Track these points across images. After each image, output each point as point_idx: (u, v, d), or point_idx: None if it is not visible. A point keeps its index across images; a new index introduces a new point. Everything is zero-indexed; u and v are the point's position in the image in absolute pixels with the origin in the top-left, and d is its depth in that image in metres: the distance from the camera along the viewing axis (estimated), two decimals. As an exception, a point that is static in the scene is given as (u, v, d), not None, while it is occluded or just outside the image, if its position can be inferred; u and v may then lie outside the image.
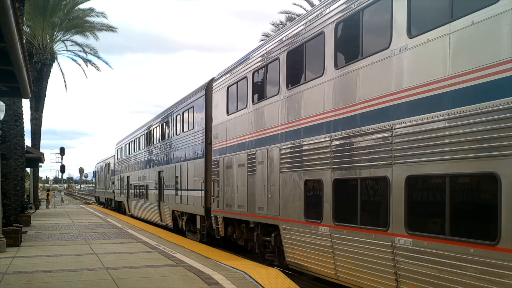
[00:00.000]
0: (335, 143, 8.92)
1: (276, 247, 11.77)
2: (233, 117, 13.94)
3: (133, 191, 31.07)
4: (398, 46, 7.31)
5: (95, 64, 45.26)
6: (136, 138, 30.86)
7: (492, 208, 5.69)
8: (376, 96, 7.80)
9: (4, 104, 14.45)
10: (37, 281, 10.10)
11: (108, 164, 44.68)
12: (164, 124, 23.39)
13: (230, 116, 14.21)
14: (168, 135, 22.54)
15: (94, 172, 60.08)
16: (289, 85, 10.75)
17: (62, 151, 49.05)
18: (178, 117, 20.69)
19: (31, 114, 41.92)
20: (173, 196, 20.67)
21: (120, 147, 37.79)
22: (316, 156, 9.51)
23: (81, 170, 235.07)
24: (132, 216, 31.55)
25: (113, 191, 40.42)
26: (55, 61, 42.97)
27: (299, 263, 10.43)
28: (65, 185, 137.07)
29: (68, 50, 45.32)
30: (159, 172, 23.65)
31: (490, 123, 5.75)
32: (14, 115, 19.40)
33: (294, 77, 10.64)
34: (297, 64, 10.55)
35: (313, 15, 9.93)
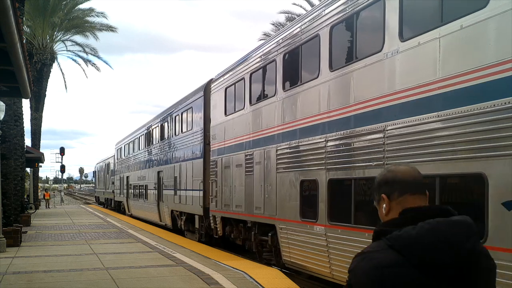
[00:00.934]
0: (330, 144, 9.08)
1: (273, 246, 11.93)
2: (231, 118, 14.11)
3: (132, 191, 31.24)
4: (390, 49, 7.48)
5: (95, 64, 45.45)
6: (136, 138, 31.03)
7: (480, 208, 5.85)
8: (370, 98, 7.97)
9: (4, 104, 14.48)
10: (37, 281, 10.14)
11: (108, 164, 44.83)
12: (163, 124, 23.56)
13: (228, 117, 14.38)
14: (167, 135, 22.71)
15: (94, 172, 60.24)
16: (286, 86, 10.92)
17: (62, 151, 49.20)
18: (177, 117, 20.86)
19: (31, 114, 41.95)
20: (172, 196, 20.84)
21: (119, 147, 37.96)
22: (312, 157, 9.67)
23: (81, 170, 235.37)
24: (131, 216, 31.71)
25: (113, 191, 40.58)
26: (55, 61, 43.12)
27: (296, 262, 10.59)
28: (65, 185, 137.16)
29: (68, 50, 45.54)
30: (158, 172, 23.82)
31: (477, 125, 5.92)
32: (14, 115, 19.40)
33: (290, 79, 10.81)
34: (293, 66, 10.72)
35: (309, 18, 10.10)
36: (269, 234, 11.82)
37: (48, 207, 42.95)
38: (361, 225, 8.17)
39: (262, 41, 12.65)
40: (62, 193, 60.44)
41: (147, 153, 27.27)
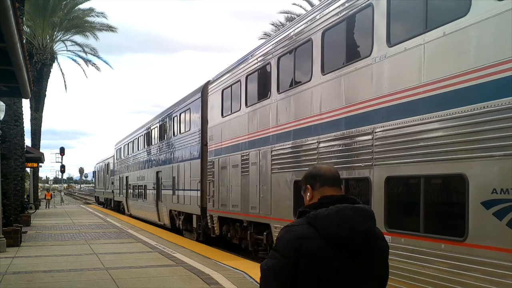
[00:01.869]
0: (322, 145, 9.35)
1: (268, 245, 12.19)
2: (228, 119, 14.38)
3: (132, 191, 31.52)
4: (378, 54, 7.75)
5: (95, 64, 45.56)
6: (135, 139, 31.30)
7: (461, 207, 6.12)
8: (359, 101, 8.23)
9: (4, 104, 14.49)
10: (37, 281, 10.18)
11: (108, 165, 45.09)
12: (162, 125, 23.83)
13: (224, 118, 14.65)
14: (166, 136, 22.98)
15: (94, 172, 60.46)
16: (280, 89, 11.18)
17: (62, 151, 49.42)
18: (176, 118, 21.13)
19: (31, 114, 42.07)
20: (171, 196, 21.11)
21: (119, 147, 38.23)
22: (305, 158, 9.94)
23: (81, 170, 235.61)
24: (131, 215, 31.98)
25: (113, 191, 40.84)
26: (55, 61, 43.23)
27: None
28: (65, 185, 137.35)
29: (68, 50, 45.66)
30: (157, 173, 24.08)
31: (458, 128, 6.19)
32: (14, 115, 19.40)
33: (285, 82, 11.08)
34: (287, 69, 10.99)
35: (302, 22, 10.37)
36: (264, 233, 12.08)
37: (48, 207, 43.10)
38: (351, 224, 8.42)
39: (258, 45, 12.91)
40: (62, 193, 60.63)
41: (146, 154, 27.54)
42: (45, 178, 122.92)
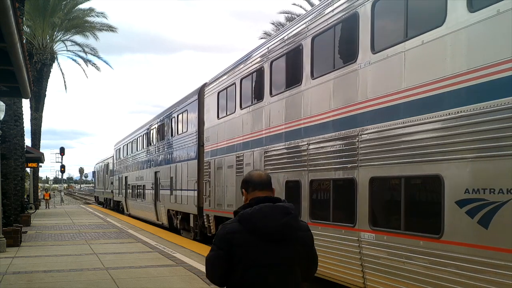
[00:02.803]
0: (311, 147, 9.72)
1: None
2: (223, 121, 14.75)
3: (131, 191, 31.90)
4: (363, 61, 8.12)
5: (95, 64, 45.71)
6: (134, 140, 31.70)
7: (437, 206, 6.49)
8: (346, 104, 8.61)
9: (4, 104, 14.51)
10: (37, 281, 10.21)
11: (107, 165, 45.46)
12: (160, 126, 24.22)
13: (220, 120, 15.02)
14: (164, 137, 23.37)
15: (94, 173, 60.78)
16: (272, 92, 11.55)
17: (62, 151, 49.62)
18: (173, 120, 21.52)
19: (31, 114, 42.16)
20: (168, 196, 21.49)
21: (118, 148, 38.61)
22: (295, 159, 10.31)
23: (81, 170, 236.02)
24: (130, 215, 32.36)
25: (112, 191, 41.22)
26: (55, 61, 43.33)
27: (281, 257, 11.22)
28: (65, 185, 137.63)
29: (68, 50, 45.78)
30: (156, 173, 24.46)
31: (434, 131, 6.56)
32: (14, 115, 19.38)
33: (276, 85, 11.45)
34: (279, 73, 11.36)
35: (293, 28, 10.74)
36: (258, 232, 12.44)
37: (48, 207, 43.28)
38: (338, 222, 8.81)
39: (252, 49, 13.29)
40: (62, 193, 60.90)
41: (144, 154, 27.93)
42: (45, 178, 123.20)
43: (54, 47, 43.16)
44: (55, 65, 44.01)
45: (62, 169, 50.94)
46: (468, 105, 6.04)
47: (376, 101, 7.77)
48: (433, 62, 6.66)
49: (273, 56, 11.53)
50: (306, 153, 9.90)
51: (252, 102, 12.74)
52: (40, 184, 61.03)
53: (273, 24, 36.30)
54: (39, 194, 47.54)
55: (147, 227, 22.81)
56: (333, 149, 8.95)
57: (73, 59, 46.83)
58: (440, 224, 6.44)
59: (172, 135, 21.80)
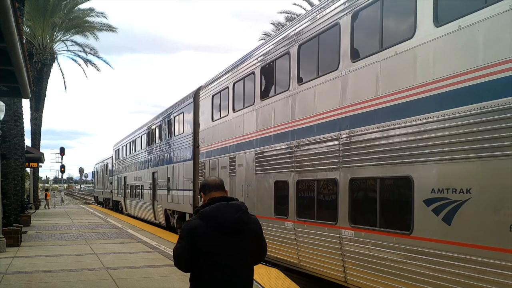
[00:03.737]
0: (298, 149, 10.26)
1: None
2: (217, 123, 15.29)
3: (129, 191, 32.45)
4: (344, 69, 8.66)
5: (95, 64, 45.70)
6: (132, 141, 32.26)
7: (408, 204, 7.02)
8: (329, 109, 9.14)
9: (4, 104, 14.54)
10: (37, 281, 10.23)
11: (106, 165, 45.97)
12: (158, 127, 24.77)
13: (214, 122, 15.56)
14: (161, 138, 23.93)
15: (93, 173, 61.19)
16: (262, 96, 12.10)
17: (62, 151, 49.73)
18: (170, 121, 22.06)
19: (31, 114, 42.16)
20: (166, 195, 22.03)
21: (117, 148, 39.16)
22: (283, 160, 10.85)
23: (81, 170, 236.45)
24: (128, 214, 32.89)
25: (111, 191, 41.74)
26: (55, 61, 43.27)
27: (271, 254, 11.75)
28: (65, 185, 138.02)
29: (68, 50, 45.72)
30: (153, 173, 25.00)
31: (405, 136, 7.10)
32: (14, 115, 19.22)
33: (266, 90, 12.00)
34: (269, 78, 11.90)
35: (281, 35, 11.28)
36: (250, 230, 12.97)
37: (48, 207, 43.43)
38: (322, 220, 9.35)
39: (245, 54, 13.82)
40: (62, 193, 61.23)
41: (142, 155, 28.48)
42: (45, 178, 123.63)
43: (54, 47, 43.17)
44: (55, 65, 43.99)
45: (62, 169, 51.13)
46: (434, 112, 6.58)
47: (355, 107, 8.31)
48: (405, 71, 7.20)
49: (263, 62, 12.06)
50: (293, 155, 10.43)
51: (244, 106, 13.27)
52: (40, 184, 61.30)
53: (273, 24, 36.48)
54: (40, 194, 47.71)
55: (147, 227, 22.94)
56: (318, 151, 9.49)
57: (73, 59, 46.82)
58: (410, 221, 6.97)
59: (169, 136, 22.34)
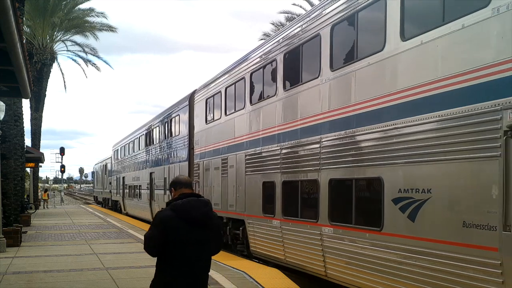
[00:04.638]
0: (283, 151, 10.89)
1: (244, 239, 13.72)
2: (211, 126, 15.92)
3: (128, 191, 33.08)
4: (325, 77, 9.29)
5: (95, 64, 45.73)
6: (131, 141, 32.92)
7: (379, 203, 7.65)
8: (311, 114, 9.77)
9: (4, 104, 14.54)
10: (37, 281, 10.22)
11: (106, 165, 46.57)
12: (155, 129, 25.43)
13: (208, 125, 16.20)
14: (158, 139, 24.59)
15: (93, 173, 61.66)
16: (252, 100, 12.73)
17: (62, 151, 49.95)
18: (167, 123, 22.72)
19: (31, 114, 42.22)
20: (162, 195, 22.65)
21: (116, 149, 39.78)
22: (270, 162, 11.48)
23: (81, 170, 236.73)
24: (127, 214, 33.51)
25: (110, 191, 42.35)
26: (55, 61, 43.33)
27: (260, 251, 12.40)
28: (65, 185, 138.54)
29: (68, 50, 45.75)
30: (151, 173, 25.65)
31: (376, 140, 7.74)
32: (14, 115, 19.18)
33: (256, 95, 12.63)
34: (258, 84, 12.53)
35: (269, 44, 11.92)
36: (241, 228, 13.62)
37: (47, 208, 43.59)
38: (305, 218, 9.98)
39: (237, 59, 14.45)
40: (62, 193, 61.58)
41: (140, 156, 29.14)
42: (45, 178, 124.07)
43: (54, 47, 43.22)
44: (55, 65, 43.93)
45: (62, 169, 51.39)
46: (400, 118, 7.21)
47: (333, 113, 8.95)
48: (376, 80, 7.83)
49: (253, 68, 12.70)
50: (279, 156, 11.07)
51: (235, 109, 13.90)
52: (40, 184, 61.62)
53: (273, 24, 36.63)
54: (40, 194, 48.08)
55: (147, 227, 22.80)
56: (301, 153, 10.12)
57: (73, 59, 46.72)
58: (381, 219, 7.60)
59: (165, 138, 22.99)
